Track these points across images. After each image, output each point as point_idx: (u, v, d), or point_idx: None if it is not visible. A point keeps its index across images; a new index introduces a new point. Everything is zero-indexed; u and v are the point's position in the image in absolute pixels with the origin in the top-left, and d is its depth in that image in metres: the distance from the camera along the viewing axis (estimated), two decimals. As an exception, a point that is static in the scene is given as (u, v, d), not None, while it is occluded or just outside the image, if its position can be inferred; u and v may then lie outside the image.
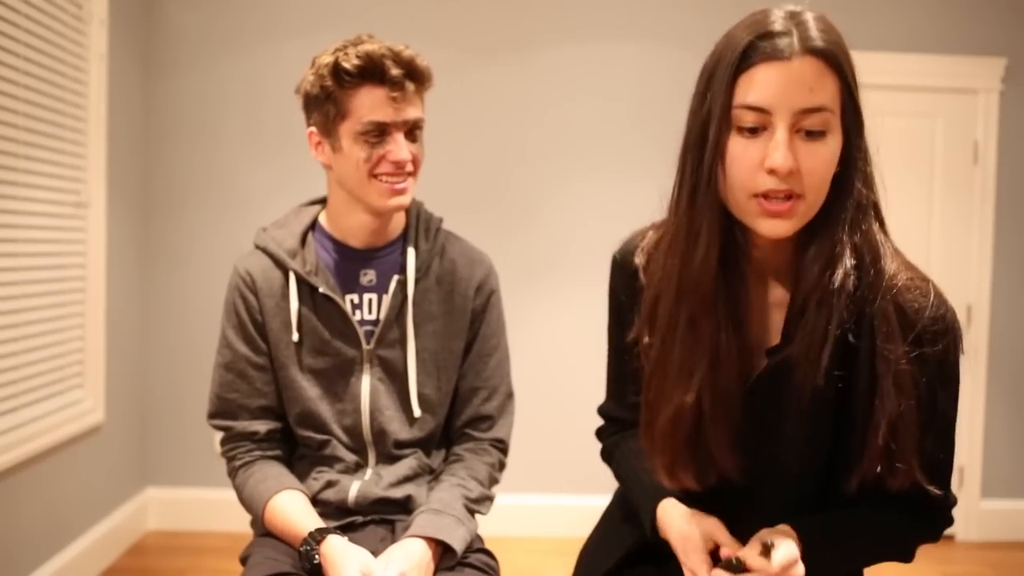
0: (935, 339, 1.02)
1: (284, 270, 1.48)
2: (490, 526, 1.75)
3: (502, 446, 1.57)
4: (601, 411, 1.37)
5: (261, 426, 1.49)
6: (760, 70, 0.96)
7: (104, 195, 2.94)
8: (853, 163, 1.00)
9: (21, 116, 2.46)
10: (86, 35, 2.84)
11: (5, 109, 2.39)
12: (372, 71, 1.37)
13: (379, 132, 1.39)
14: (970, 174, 3.54)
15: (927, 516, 1.11)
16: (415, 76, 1.40)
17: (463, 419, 1.55)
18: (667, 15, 3.44)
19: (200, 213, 3.39)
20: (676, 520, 1.13)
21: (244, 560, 1.44)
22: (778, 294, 1.10)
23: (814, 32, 0.97)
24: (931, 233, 3.53)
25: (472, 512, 1.47)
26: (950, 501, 1.12)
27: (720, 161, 0.99)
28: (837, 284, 1.00)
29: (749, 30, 0.99)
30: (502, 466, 1.57)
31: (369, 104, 1.38)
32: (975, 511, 3.56)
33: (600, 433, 1.38)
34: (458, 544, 1.38)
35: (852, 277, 1.00)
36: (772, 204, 0.97)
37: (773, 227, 0.99)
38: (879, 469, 1.02)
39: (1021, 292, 3.59)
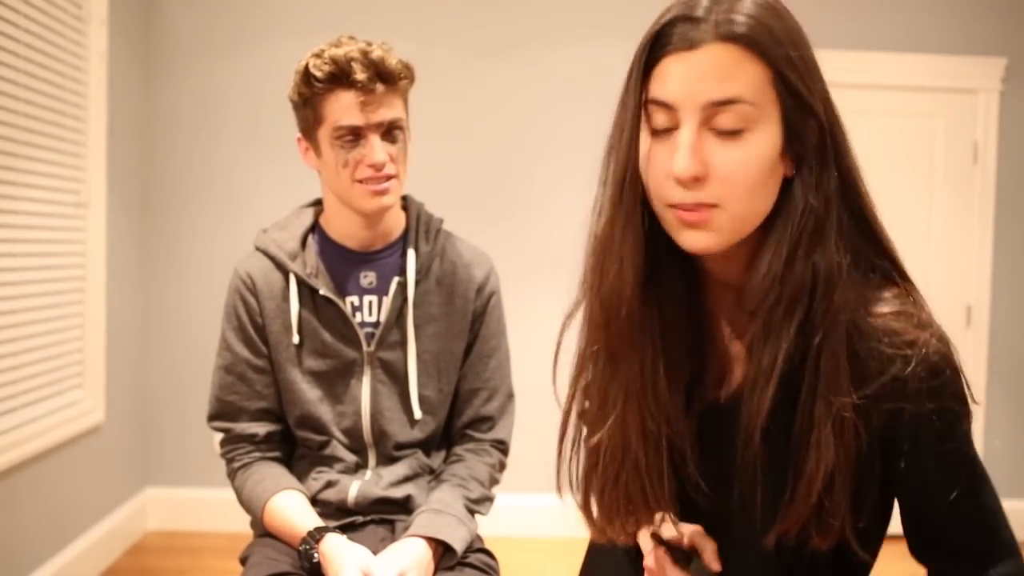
0: (914, 398, 0.83)
1: (284, 272, 1.48)
2: (490, 526, 1.75)
3: (503, 447, 1.57)
4: None
5: (260, 428, 1.49)
6: (668, 62, 0.84)
7: (104, 195, 2.94)
8: (803, 167, 0.85)
9: (21, 116, 2.46)
10: (86, 35, 2.83)
11: (5, 109, 2.38)
12: (339, 76, 1.38)
13: (353, 136, 1.40)
14: (970, 174, 3.54)
15: None
16: (385, 77, 1.40)
17: (464, 420, 1.55)
18: (667, 15, 3.43)
19: (200, 213, 3.39)
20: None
21: (244, 560, 1.44)
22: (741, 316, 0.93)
23: (739, 15, 0.81)
24: (931, 233, 3.52)
25: (472, 512, 1.47)
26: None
27: (637, 165, 0.87)
28: (780, 315, 0.84)
29: (671, 12, 0.86)
30: (503, 467, 1.57)
31: (339, 109, 1.39)
32: (975, 511, 3.55)
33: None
34: (458, 544, 1.38)
35: (802, 307, 0.84)
36: (686, 213, 0.83)
37: (692, 239, 0.85)
38: (806, 526, 0.86)
39: (1021, 292, 3.58)
